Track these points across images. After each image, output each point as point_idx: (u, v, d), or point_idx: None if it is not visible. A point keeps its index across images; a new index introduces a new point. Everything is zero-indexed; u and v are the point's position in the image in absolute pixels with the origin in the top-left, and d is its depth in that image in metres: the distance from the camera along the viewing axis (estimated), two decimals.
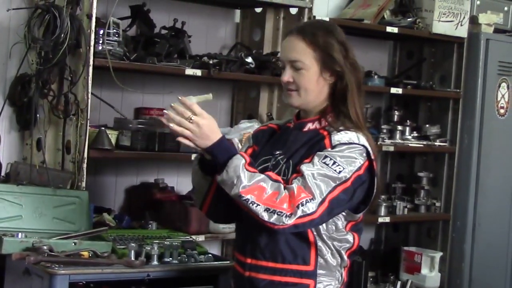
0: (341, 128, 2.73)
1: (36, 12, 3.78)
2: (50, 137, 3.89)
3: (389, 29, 5.00)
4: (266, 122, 3.10)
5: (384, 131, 5.19)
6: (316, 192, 2.58)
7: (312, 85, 2.76)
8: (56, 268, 3.13)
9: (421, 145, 5.26)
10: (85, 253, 3.29)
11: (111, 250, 3.39)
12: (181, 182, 4.59)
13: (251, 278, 2.77)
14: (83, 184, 3.70)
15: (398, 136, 5.22)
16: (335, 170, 2.62)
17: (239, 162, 2.59)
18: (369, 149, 2.70)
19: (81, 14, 3.74)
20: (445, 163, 5.40)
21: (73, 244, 3.33)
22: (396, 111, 5.40)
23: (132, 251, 3.34)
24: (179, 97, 2.63)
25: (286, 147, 2.81)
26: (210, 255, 3.57)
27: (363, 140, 2.71)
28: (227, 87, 4.83)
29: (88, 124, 3.71)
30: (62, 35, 3.66)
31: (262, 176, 2.60)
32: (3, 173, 3.90)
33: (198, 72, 4.12)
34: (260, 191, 2.57)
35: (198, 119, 2.60)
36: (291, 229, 2.61)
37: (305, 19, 4.50)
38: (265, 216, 2.56)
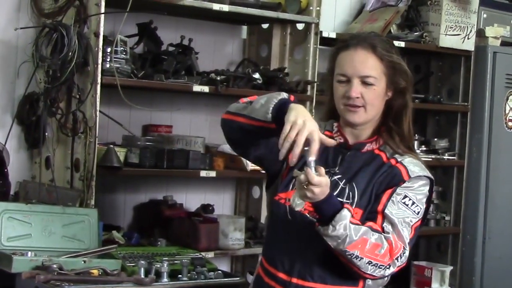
0: (399, 150, 2.66)
1: (44, 31, 3.79)
2: (58, 155, 3.89)
3: (396, 43, 4.97)
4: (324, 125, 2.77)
5: None
6: (406, 241, 2.55)
7: (378, 101, 2.65)
8: (66, 287, 3.12)
9: (430, 159, 5.24)
10: (95, 271, 3.28)
11: (121, 268, 3.39)
12: (190, 199, 4.59)
13: None
14: (92, 202, 3.70)
15: None
16: (414, 211, 2.58)
17: (346, 218, 2.46)
18: (433, 182, 2.68)
19: (88, 32, 3.75)
20: (454, 177, 5.38)
21: (83, 262, 3.33)
22: None
23: (142, 269, 3.33)
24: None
25: (343, 167, 2.68)
26: (219, 271, 3.56)
27: (428, 171, 2.66)
28: None
29: (96, 142, 3.72)
30: (70, 54, 3.68)
31: (365, 228, 2.50)
32: (12, 192, 3.90)
33: (206, 89, 4.12)
34: (363, 244, 2.48)
35: (313, 188, 2.41)
36: (383, 277, 2.60)
37: (312, 35, 4.51)
38: (368, 269, 2.50)
